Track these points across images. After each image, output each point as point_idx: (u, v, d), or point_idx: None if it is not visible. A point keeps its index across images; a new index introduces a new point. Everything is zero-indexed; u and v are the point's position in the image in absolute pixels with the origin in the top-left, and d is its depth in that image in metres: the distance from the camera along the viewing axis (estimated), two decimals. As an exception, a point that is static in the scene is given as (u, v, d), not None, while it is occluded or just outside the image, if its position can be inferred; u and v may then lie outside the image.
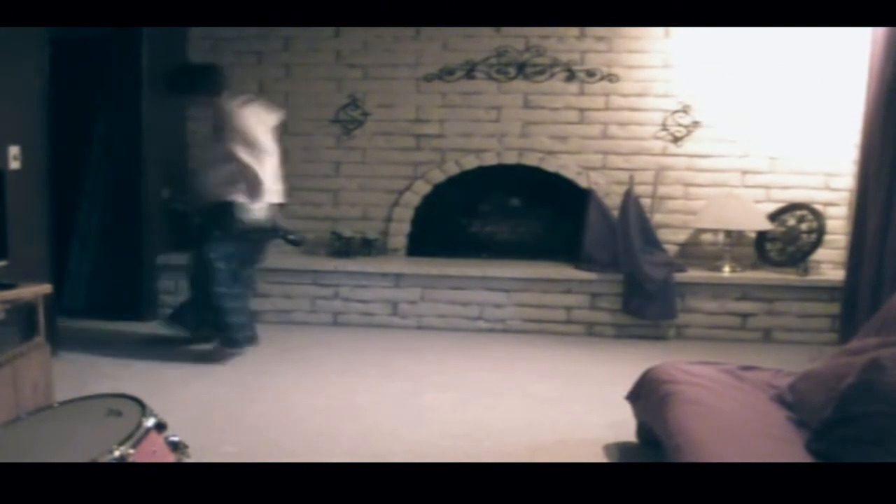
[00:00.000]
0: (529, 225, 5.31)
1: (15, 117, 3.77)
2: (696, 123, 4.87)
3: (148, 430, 1.90)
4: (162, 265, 4.97)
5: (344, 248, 5.02)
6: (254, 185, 3.92)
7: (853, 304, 4.38)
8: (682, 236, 4.98)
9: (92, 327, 4.67)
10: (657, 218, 4.91)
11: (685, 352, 4.28)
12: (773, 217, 4.79)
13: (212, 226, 4.03)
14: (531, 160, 5.00)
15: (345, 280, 4.90)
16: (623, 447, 3.07)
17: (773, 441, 2.26)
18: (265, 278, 4.93)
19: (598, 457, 3.00)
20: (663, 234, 4.92)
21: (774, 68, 4.76)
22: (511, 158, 5.03)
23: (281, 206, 4.23)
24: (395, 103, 5.08)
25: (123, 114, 4.81)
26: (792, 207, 4.81)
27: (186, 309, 4.30)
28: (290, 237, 4.30)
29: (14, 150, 3.74)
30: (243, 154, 3.88)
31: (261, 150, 3.92)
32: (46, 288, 3.36)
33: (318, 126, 5.15)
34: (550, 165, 4.99)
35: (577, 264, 4.81)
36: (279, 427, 3.23)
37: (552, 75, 4.95)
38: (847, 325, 4.38)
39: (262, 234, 4.15)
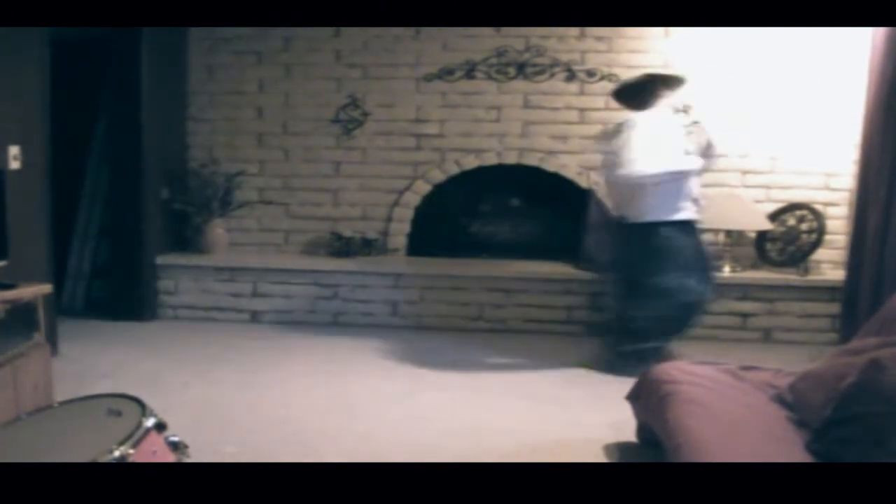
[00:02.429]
0: (529, 225, 5.31)
1: (15, 117, 3.77)
2: (695, 123, 4.86)
3: (148, 430, 1.90)
4: (162, 265, 4.97)
5: (344, 248, 5.02)
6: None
7: (853, 304, 4.38)
8: (682, 236, 4.97)
9: (92, 327, 4.67)
10: (657, 218, 4.89)
11: (685, 352, 4.27)
12: (773, 217, 4.79)
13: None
14: (531, 160, 5.00)
15: (345, 280, 4.90)
16: (623, 447, 3.07)
17: (773, 441, 2.26)
18: (265, 278, 4.94)
19: (598, 457, 2.99)
20: (663, 234, 4.90)
21: (774, 68, 4.76)
22: (511, 158, 5.02)
23: None
24: (395, 103, 5.08)
25: (123, 114, 4.81)
26: (792, 207, 4.81)
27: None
28: None
29: (14, 150, 3.74)
30: None
31: None
32: (46, 288, 3.36)
33: (318, 126, 5.15)
34: (551, 165, 4.99)
35: (577, 264, 4.81)
36: (279, 427, 3.23)
37: (552, 75, 4.95)
38: (847, 325, 4.38)
39: None
